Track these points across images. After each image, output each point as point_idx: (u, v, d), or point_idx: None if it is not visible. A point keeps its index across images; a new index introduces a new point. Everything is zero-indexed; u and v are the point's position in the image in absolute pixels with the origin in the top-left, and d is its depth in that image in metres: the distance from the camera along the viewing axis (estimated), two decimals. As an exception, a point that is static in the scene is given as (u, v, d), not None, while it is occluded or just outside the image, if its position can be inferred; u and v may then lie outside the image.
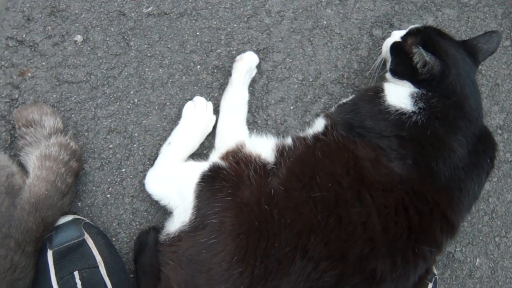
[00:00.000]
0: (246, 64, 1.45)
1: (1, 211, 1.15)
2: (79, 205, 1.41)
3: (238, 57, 1.45)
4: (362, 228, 1.14)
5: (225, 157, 1.29)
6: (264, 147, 1.30)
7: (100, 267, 1.25)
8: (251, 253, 1.12)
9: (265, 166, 1.25)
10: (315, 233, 1.13)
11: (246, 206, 1.17)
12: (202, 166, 1.28)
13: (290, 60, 1.54)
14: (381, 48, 1.53)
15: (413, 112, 1.25)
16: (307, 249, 1.12)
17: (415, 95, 1.29)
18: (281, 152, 1.29)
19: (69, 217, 1.30)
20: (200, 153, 1.43)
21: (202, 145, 1.44)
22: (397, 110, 1.27)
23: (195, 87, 1.50)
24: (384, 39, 1.56)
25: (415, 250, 1.16)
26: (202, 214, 1.20)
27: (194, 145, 1.41)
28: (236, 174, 1.23)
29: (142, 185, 1.42)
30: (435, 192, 1.19)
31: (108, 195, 1.43)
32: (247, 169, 1.24)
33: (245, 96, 1.46)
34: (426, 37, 1.37)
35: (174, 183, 1.30)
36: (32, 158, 1.28)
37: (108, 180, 1.43)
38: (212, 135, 1.44)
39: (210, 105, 1.44)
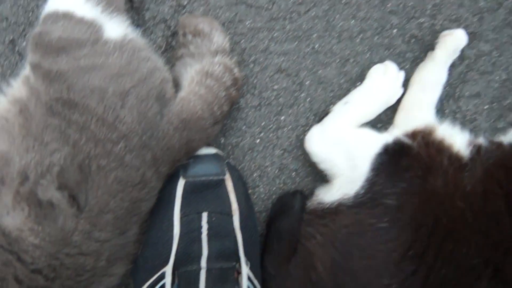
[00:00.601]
0: (454, 42, 1.22)
1: (147, 117, 0.97)
2: (222, 141, 1.23)
3: (446, 32, 1.23)
4: None
5: (411, 135, 1.08)
6: (457, 139, 1.09)
7: (234, 217, 1.05)
8: (432, 252, 0.93)
9: (460, 159, 1.04)
10: (515, 253, 0.89)
11: (437, 196, 0.97)
12: (385, 137, 1.07)
13: (497, 54, 1.29)
14: None
15: None
16: (502, 268, 0.92)
17: None
18: (477, 149, 1.07)
19: (212, 150, 1.11)
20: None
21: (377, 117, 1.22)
22: None
23: (385, 52, 1.27)
24: None
25: None
26: (376, 191, 1.01)
27: (372, 113, 1.19)
28: (427, 156, 1.02)
29: (299, 140, 1.23)
30: None
31: (258, 140, 1.23)
32: (440, 156, 1.03)
33: (443, 76, 1.24)
34: None
35: (344, 148, 1.10)
36: (190, 71, 1.10)
37: (262, 124, 1.24)
38: (390, 109, 1.23)
39: (401, 75, 1.22)
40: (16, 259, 0.87)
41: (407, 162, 1.01)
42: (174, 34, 1.23)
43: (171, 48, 1.21)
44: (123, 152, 0.93)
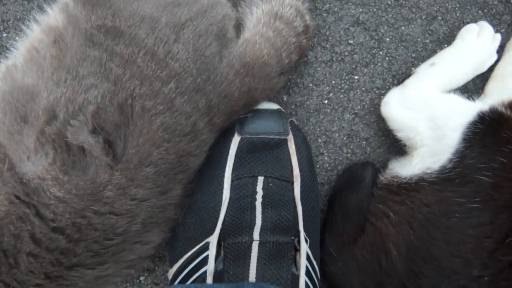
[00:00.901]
0: None
1: (205, 56, 0.82)
2: (285, 99, 1.07)
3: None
4: None
5: (509, 106, 0.91)
6: None
7: (294, 184, 0.90)
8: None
9: None
10: None
11: (545, 175, 0.79)
12: (479, 105, 0.91)
13: None
14: None
15: None
16: None
17: None
18: None
19: (274, 106, 0.95)
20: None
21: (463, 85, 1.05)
22: None
23: (479, 12, 1.10)
24: None
25: None
26: (467, 166, 0.86)
27: (461, 79, 1.03)
28: (533, 130, 0.84)
29: (373, 104, 1.07)
30: None
31: (326, 101, 1.07)
32: (547, 130, 0.85)
33: (548, 44, 1.03)
34: None
35: (428, 114, 0.94)
36: (256, 12, 0.95)
37: (333, 82, 1.07)
38: (479, 78, 1.07)
39: (498, 38, 1.04)
40: (34, 213, 0.73)
41: (507, 134, 0.85)
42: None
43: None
44: (173, 94, 0.78)
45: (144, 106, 0.75)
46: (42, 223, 0.73)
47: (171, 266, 0.89)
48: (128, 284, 1.01)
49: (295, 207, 0.87)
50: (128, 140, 0.75)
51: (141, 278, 1.01)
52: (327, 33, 1.08)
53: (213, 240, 0.83)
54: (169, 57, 0.79)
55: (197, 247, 0.85)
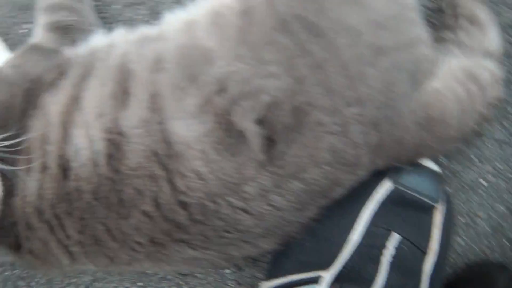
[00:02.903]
0: None
1: (393, 92, 0.75)
2: (444, 162, 0.97)
3: None
4: None
5: None
6: None
7: (427, 258, 0.81)
8: None
9: None
10: None
11: None
12: None
13: None
14: None
15: None
16: None
17: None
18: None
19: (435, 167, 0.87)
20: None
21: None
22: None
23: None
24: None
25: None
26: None
27: None
28: None
29: None
30: None
31: (484, 182, 0.98)
32: None
33: None
34: None
35: None
36: (451, 63, 0.86)
37: (498, 166, 0.98)
38: None
39: None
40: (166, 178, 0.68)
41: None
42: (437, 10, 0.99)
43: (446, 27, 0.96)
44: (352, 119, 0.71)
45: (319, 119, 0.69)
46: (170, 191, 0.69)
47: (268, 278, 0.85)
48: (212, 271, 0.97)
49: (419, 282, 0.79)
50: (290, 146, 0.69)
51: (227, 271, 0.98)
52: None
53: (327, 276, 0.77)
54: (359, 78, 0.72)
55: (307, 274, 0.79)
